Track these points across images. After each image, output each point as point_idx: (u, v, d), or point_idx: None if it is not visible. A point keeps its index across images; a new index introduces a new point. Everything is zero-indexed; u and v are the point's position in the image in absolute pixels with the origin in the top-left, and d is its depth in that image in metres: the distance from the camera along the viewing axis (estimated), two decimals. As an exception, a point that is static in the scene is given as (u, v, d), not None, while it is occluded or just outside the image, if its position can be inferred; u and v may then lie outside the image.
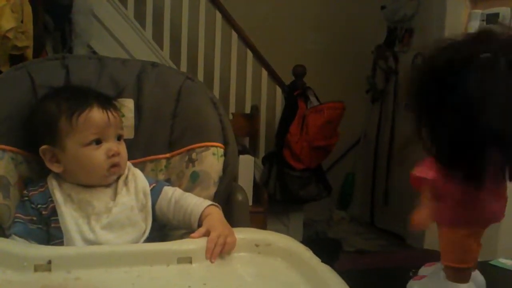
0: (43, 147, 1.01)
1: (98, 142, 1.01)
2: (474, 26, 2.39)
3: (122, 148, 1.05)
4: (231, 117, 3.22)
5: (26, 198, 1.01)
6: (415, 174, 0.79)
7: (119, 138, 1.05)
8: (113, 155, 1.01)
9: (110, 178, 1.03)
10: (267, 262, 0.92)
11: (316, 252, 0.92)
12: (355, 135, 4.08)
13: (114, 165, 1.02)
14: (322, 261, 0.89)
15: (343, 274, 0.83)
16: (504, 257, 1.19)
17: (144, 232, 1.02)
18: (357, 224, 3.94)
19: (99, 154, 1.00)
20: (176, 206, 1.04)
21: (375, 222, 3.88)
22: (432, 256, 0.96)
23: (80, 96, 1.04)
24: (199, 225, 0.97)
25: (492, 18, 2.33)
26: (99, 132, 1.01)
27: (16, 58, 2.11)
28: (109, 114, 1.02)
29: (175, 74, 1.26)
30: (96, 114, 1.01)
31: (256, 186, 3.07)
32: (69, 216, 0.98)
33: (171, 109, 1.20)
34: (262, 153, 3.38)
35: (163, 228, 1.10)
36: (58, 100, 1.03)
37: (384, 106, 3.84)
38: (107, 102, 1.05)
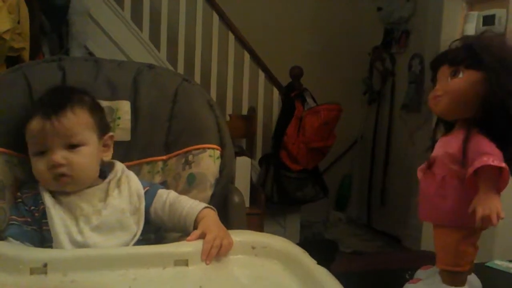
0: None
1: (42, 152, 0.99)
2: (471, 28, 2.39)
3: (75, 157, 0.99)
4: (228, 118, 3.22)
5: (20, 200, 1.01)
6: (496, 164, 0.77)
7: (72, 146, 0.99)
8: (53, 166, 0.97)
9: (66, 187, 1.00)
10: (264, 264, 0.92)
11: (313, 253, 0.92)
12: (352, 137, 4.09)
13: (62, 175, 0.98)
14: (319, 263, 0.89)
15: (340, 276, 0.83)
16: (500, 258, 1.20)
17: (135, 235, 1.01)
18: (354, 226, 3.94)
19: (41, 165, 0.98)
20: (171, 208, 1.03)
21: (372, 223, 3.89)
22: (428, 258, 0.96)
23: (38, 103, 1.03)
24: (195, 228, 0.97)
25: (488, 20, 2.34)
26: (39, 143, 0.98)
27: (12, 60, 2.11)
28: (48, 124, 0.97)
29: (171, 76, 1.26)
30: (35, 125, 0.98)
31: (253, 187, 3.07)
32: (57, 218, 0.97)
33: (167, 111, 1.19)
34: (259, 155, 3.38)
35: (159, 230, 1.10)
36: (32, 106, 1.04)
37: (381, 108, 3.85)
38: (54, 110, 0.98)
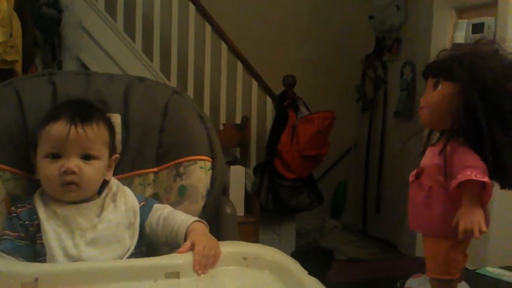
0: (33, 154, 1.03)
1: (56, 156, 0.99)
2: (460, 36, 2.42)
3: (87, 168, 1.00)
4: (221, 127, 3.22)
5: (14, 215, 1.01)
6: (479, 179, 0.78)
7: (87, 157, 1.01)
8: (64, 172, 0.98)
9: (68, 195, 1.00)
10: (255, 275, 0.92)
11: (309, 261, 0.93)
12: (346, 144, 4.10)
13: (69, 183, 0.99)
14: (314, 271, 0.89)
15: (332, 285, 0.84)
16: (491, 265, 1.21)
17: (129, 249, 1.02)
18: (350, 233, 3.94)
19: (52, 169, 0.99)
20: (164, 223, 1.04)
21: (367, 230, 3.89)
22: (422, 264, 0.97)
23: (60, 108, 1.04)
24: (185, 241, 0.97)
25: (477, 28, 2.36)
26: (56, 147, 0.99)
27: (5, 72, 2.11)
28: (73, 130, 0.98)
29: (162, 88, 1.27)
30: (56, 128, 0.99)
31: (247, 196, 3.07)
32: (52, 232, 0.98)
33: (158, 123, 1.20)
34: (253, 163, 3.38)
35: (151, 243, 1.10)
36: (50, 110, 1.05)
37: (374, 115, 3.87)
38: (82, 119, 1.00)
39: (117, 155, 1.11)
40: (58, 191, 1.00)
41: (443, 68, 0.87)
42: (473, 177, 0.78)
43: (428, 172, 0.88)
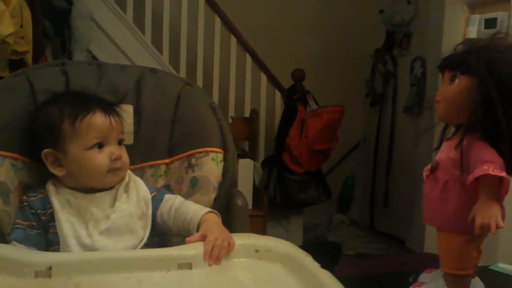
0: (46, 150, 1.01)
1: (101, 145, 1.02)
2: (472, 31, 2.39)
3: (123, 152, 1.06)
4: (230, 121, 3.22)
5: (26, 204, 1.02)
6: (496, 173, 0.78)
7: (120, 142, 1.06)
8: (115, 159, 1.02)
9: (111, 180, 1.03)
10: (267, 267, 0.92)
11: (316, 256, 0.92)
12: (354, 139, 4.09)
13: (116, 169, 1.03)
14: (322, 265, 0.89)
15: (343, 279, 0.83)
16: (503, 262, 1.20)
17: (142, 239, 1.02)
18: (357, 228, 3.94)
19: (102, 158, 1.01)
20: (176, 213, 1.04)
21: (375, 226, 3.89)
22: (431, 260, 0.96)
23: (82, 101, 1.05)
24: (197, 231, 0.97)
25: (490, 23, 2.33)
26: (101, 136, 1.02)
27: (15, 63, 2.12)
28: (111, 118, 1.03)
29: (174, 80, 1.27)
30: (99, 119, 1.02)
31: (255, 189, 3.07)
32: (66, 221, 0.98)
33: (170, 114, 1.20)
34: (261, 157, 3.38)
35: (163, 233, 1.10)
36: (60, 104, 1.03)
37: (383, 110, 3.85)
38: (109, 107, 1.06)
39: None
40: (104, 177, 1.02)
41: (460, 62, 0.86)
42: (491, 172, 0.77)
43: (443, 166, 0.87)
